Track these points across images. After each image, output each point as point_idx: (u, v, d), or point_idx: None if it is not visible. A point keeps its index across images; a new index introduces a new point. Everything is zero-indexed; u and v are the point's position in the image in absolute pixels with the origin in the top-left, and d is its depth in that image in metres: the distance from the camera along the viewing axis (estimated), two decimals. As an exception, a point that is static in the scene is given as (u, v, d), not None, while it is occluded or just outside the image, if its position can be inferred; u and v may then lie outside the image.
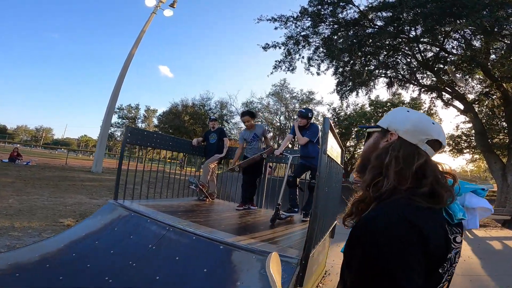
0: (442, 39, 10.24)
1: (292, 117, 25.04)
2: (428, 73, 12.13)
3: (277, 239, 2.59)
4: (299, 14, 11.17)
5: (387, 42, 10.88)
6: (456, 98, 12.00)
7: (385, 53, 11.83)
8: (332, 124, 2.26)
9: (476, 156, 16.37)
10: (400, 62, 12.46)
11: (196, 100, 28.72)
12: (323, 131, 2.04)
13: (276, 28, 11.68)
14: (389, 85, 13.02)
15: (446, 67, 10.80)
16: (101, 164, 13.65)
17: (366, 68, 11.93)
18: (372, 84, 12.96)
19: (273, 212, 3.43)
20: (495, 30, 8.28)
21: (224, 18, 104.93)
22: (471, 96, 12.25)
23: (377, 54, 11.73)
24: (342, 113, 21.40)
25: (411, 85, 13.04)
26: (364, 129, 0.89)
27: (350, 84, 12.58)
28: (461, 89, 11.81)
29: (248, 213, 3.93)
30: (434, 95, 13.17)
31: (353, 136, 20.31)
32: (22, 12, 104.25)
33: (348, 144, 20.52)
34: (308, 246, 1.92)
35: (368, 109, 20.33)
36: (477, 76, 11.36)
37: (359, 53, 11.02)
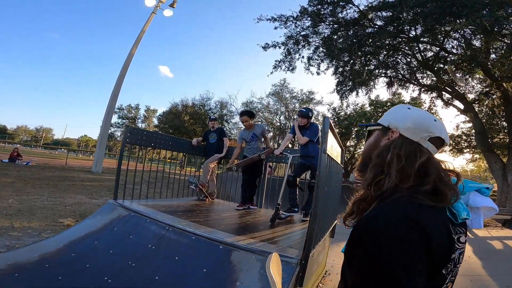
0: (442, 38, 10.23)
1: (292, 117, 25.03)
2: (428, 72, 12.12)
3: (277, 239, 2.58)
4: (299, 14, 11.17)
5: (387, 42, 10.87)
6: (456, 97, 11.99)
7: (385, 52, 11.82)
8: (332, 124, 2.26)
9: (476, 155, 16.37)
10: (400, 61, 12.46)
11: (196, 100, 28.75)
12: (323, 130, 2.03)
13: (276, 28, 11.69)
14: (389, 84, 13.02)
15: (446, 67, 10.79)
16: (101, 164, 13.65)
17: (366, 68, 11.92)
18: (372, 83, 12.96)
19: (273, 212, 3.42)
20: (495, 29, 8.27)
21: (224, 18, 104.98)
22: (471, 96, 12.26)
23: (377, 54, 11.72)
24: (342, 113, 21.42)
25: (411, 85, 13.04)
26: (365, 127, 0.87)
27: (350, 83, 12.57)
28: (461, 88, 11.80)
29: (247, 213, 3.92)
30: (434, 94, 13.17)
31: (353, 136, 20.33)
32: (22, 12, 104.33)
33: (348, 144, 20.53)
34: (308, 246, 1.91)
35: (368, 109, 20.35)
36: (477, 76, 11.36)
37: (359, 53, 11.01)
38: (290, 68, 12.48)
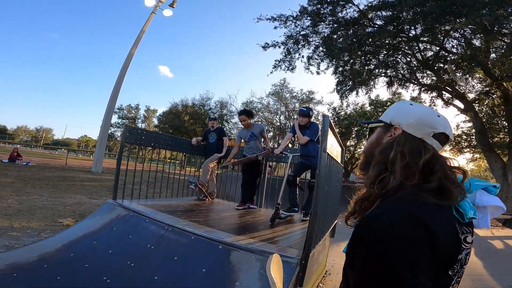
0: (442, 38, 10.23)
1: (292, 117, 25.03)
2: (428, 72, 12.12)
3: (277, 238, 2.57)
4: (299, 14, 11.17)
5: (387, 41, 10.87)
6: (456, 97, 11.98)
7: (385, 52, 11.82)
8: (332, 123, 2.25)
9: (477, 155, 16.38)
10: (400, 61, 12.45)
11: (196, 100, 28.78)
12: (323, 129, 2.02)
13: (275, 28, 11.69)
14: (389, 84, 13.02)
15: (446, 66, 10.79)
16: (101, 164, 13.64)
17: (366, 68, 11.92)
18: (372, 83, 12.96)
19: (272, 211, 3.41)
20: (495, 29, 8.26)
21: (224, 18, 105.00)
22: (471, 95, 12.25)
23: (377, 54, 11.73)
24: (342, 113, 21.43)
25: (411, 84, 13.03)
26: (366, 125, 0.85)
27: (350, 83, 12.58)
28: (461, 88, 11.79)
29: (247, 213, 3.91)
30: (434, 94, 13.16)
31: (353, 135, 20.32)
32: (22, 12, 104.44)
33: (348, 143, 20.53)
34: (308, 245, 1.90)
35: (368, 108, 20.35)
36: (477, 75, 11.35)
37: (359, 52, 11.01)
38: (290, 67, 12.49)
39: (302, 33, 11.61)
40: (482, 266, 4.21)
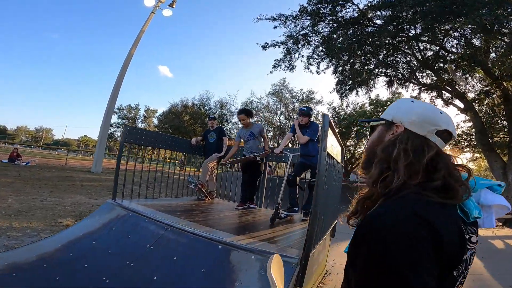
0: (441, 37, 10.22)
1: (292, 117, 25.01)
2: (428, 72, 12.10)
3: (277, 238, 2.56)
4: (298, 13, 11.14)
5: (387, 41, 10.86)
6: (456, 96, 11.97)
7: (384, 52, 11.81)
8: (332, 122, 2.24)
9: (477, 155, 16.36)
10: (400, 61, 12.44)
11: (195, 100, 28.74)
12: (323, 128, 2.01)
13: (275, 27, 11.67)
14: (389, 84, 13.00)
15: (446, 66, 10.77)
16: (100, 164, 13.63)
17: (366, 67, 11.90)
18: (372, 83, 12.94)
19: (272, 211, 3.40)
20: (495, 28, 8.25)
21: (224, 18, 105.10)
22: (471, 95, 12.24)
23: (376, 53, 11.71)
24: (342, 112, 21.42)
25: (411, 84, 13.02)
26: (367, 123, 0.84)
27: (350, 83, 12.56)
28: (461, 87, 11.79)
29: (247, 213, 3.90)
30: (434, 94, 13.14)
31: (353, 135, 20.32)
32: (22, 12, 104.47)
33: (348, 143, 20.52)
34: (308, 245, 1.89)
35: (368, 108, 20.34)
36: (477, 75, 11.34)
37: (359, 52, 10.99)
38: (290, 67, 12.47)
39: (301, 32, 11.59)
40: (482, 266, 4.21)
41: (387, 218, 0.55)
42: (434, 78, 11.99)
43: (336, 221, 3.64)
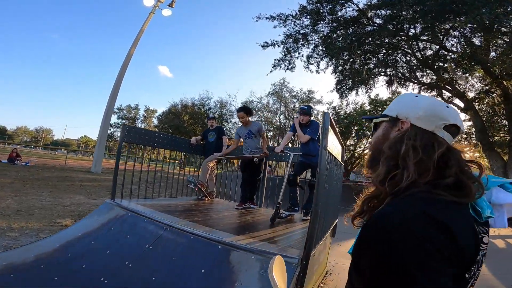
0: (441, 36, 10.20)
1: (292, 116, 24.98)
2: (428, 71, 12.10)
3: (277, 238, 2.54)
4: (298, 12, 11.13)
5: (387, 40, 10.86)
6: (456, 96, 11.96)
7: (384, 51, 11.81)
8: (333, 120, 2.22)
9: (477, 154, 16.34)
10: (399, 60, 12.44)
11: (195, 100, 28.70)
12: (324, 126, 1.99)
13: (275, 27, 11.66)
14: (389, 83, 13.00)
15: (446, 65, 10.77)
16: (100, 164, 13.61)
17: (366, 67, 11.90)
18: (371, 82, 12.95)
19: (273, 211, 3.38)
20: (495, 27, 8.24)
21: (223, 18, 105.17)
22: (471, 94, 12.24)
23: (376, 53, 11.71)
24: (342, 112, 21.40)
25: (411, 84, 13.02)
26: (369, 121, 0.81)
27: (350, 82, 12.56)
28: (461, 87, 11.79)
29: (247, 212, 3.88)
30: (434, 93, 13.12)
31: (353, 135, 20.31)
32: (22, 12, 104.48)
33: (348, 143, 20.50)
34: (309, 245, 1.87)
35: (368, 108, 20.31)
36: (477, 74, 11.34)
37: (359, 51, 10.99)
38: (290, 66, 12.47)
39: (301, 32, 11.58)
40: (484, 265, 4.18)
41: (395, 217, 0.53)
42: (434, 77, 11.99)
43: (337, 220, 3.62)
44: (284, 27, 11.61)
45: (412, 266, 0.47)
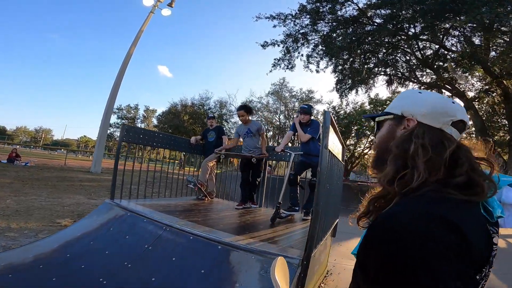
0: (441, 36, 10.20)
1: (292, 116, 24.97)
2: (428, 70, 12.10)
3: (277, 238, 2.53)
4: (298, 12, 11.13)
5: (386, 40, 10.85)
6: (456, 95, 11.95)
7: (384, 50, 11.81)
8: (333, 119, 2.20)
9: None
10: (399, 59, 12.43)
11: (195, 99, 28.67)
12: (324, 125, 1.97)
13: (274, 26, 11.66)
14: (389, 83, 13.00)
15: (446, 65, 10.77)
16: (100, 164, 13.58)
17: (366, 66, 11.90)
18: (371, 82, 12.95)
19: (273, 211, 3.36)
20: (495, 26, 8.23)
21: (223, 18, 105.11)
22: (471, 94, 12.25)
23: (376, 52, 11.70)
24: (342, 112, 21.37)
25: (411, 83, 13.01)
26: (371, 119, 0.78)
27: (350, 82, 12.56)
28: (461, 86, 11.78)
29: (247, 212, 3.87)
30: (434, 92, 13.14)
31: (353, 134, 20.29)
32: (22, 12, 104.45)
33: (348, 142, 20.48)
34: (310, 245, 1.86)
35: (368, 107, 20.29)
36: (477, 73, 11.33)
37: (358, 51, 10.99)
38: (289, 66, 12.47)
39: (301, 31, 11.58)
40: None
41: (404, 217, 0.51)
42: (434, 76, 11.99)
43: (337, 220, 3.61)
44: (284, 26, 11.63)
45: (421, 267, 0.45)
